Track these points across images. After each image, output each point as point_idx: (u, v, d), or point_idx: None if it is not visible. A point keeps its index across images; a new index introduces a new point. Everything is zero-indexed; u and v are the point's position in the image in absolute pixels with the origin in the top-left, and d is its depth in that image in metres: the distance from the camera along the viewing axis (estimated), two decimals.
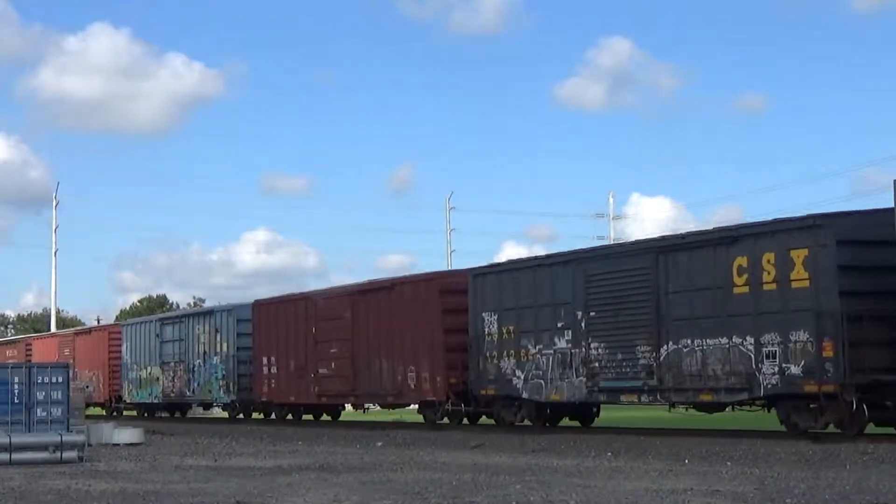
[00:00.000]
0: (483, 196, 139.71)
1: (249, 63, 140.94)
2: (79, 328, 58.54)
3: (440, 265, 73.12)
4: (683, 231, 28.30)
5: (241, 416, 40.80)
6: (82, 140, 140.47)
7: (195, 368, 41.68)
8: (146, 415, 47.83)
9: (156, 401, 45.20)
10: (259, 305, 38.44)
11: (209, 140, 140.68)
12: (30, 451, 20.66)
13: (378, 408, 38.79)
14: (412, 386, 30.74)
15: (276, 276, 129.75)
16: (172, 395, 43.58)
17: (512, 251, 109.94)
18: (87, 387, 49.56)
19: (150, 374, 45.03)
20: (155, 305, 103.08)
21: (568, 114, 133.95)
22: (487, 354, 28.40)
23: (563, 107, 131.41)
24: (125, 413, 49.63)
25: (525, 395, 27.41)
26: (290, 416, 37.88)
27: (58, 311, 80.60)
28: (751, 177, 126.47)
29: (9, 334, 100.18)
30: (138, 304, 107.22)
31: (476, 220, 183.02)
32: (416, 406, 32.86)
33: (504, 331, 27.93)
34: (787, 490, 13.54)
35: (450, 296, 29.83)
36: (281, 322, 36.67)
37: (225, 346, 39.64)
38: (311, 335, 34.93)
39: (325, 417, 38.64)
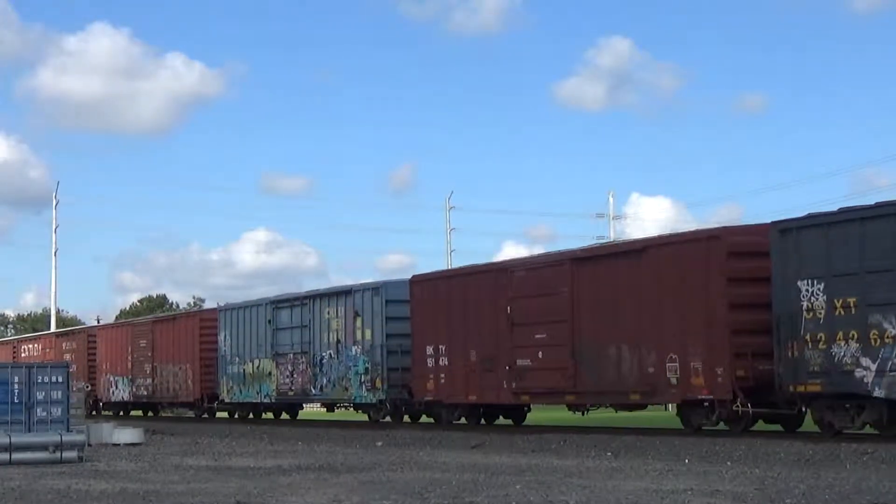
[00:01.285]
0: (483, 196, 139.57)
1: (249, 63, 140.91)
2: (162, 314, 50.85)
3: (440, 265, 73.05)
4: None
5: (387, 418, 33.26)
6: (82, 140, 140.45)
7: (323, 361, 34.44)
8: (250, 416, 40.49)
9: (266, 400, 37.83)
10: (421, 282, 31.13)
11: (209, 140, 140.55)
12: (30, 451, 20.67)
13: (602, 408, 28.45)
14: (673, 380, 23.78)
15: (276, 276, 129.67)
16: (291, 392, 36.25)
17: (511, 251, 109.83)
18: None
19: (258, 368, 37.64)
20: (155, 305, 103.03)
21: (568, 114, 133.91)
22: (808, 338, 21.59)
23: (562, 107, 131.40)
24: (218, 415, 42.90)
25: (879, 393, 20.72)
26: (462, 420, 30.57)
27: (58, 311, 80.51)
28: (751, 177, 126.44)
29: (9, 334, 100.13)
30: (138, 304, 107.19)
31: (476, 220, 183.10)
32: (673, 406, 27.27)
33: (837, 304, 21.15)
34: (787, 490, 13.54)
35: (739, 259, 22.91)
36: (455, 301, 29.49)
37: (369, 332, 32.24)
38: (506, 316, 27.71)
39: (505, 421, 31.36)
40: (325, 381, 34.41)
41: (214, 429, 35.19)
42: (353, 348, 32.96)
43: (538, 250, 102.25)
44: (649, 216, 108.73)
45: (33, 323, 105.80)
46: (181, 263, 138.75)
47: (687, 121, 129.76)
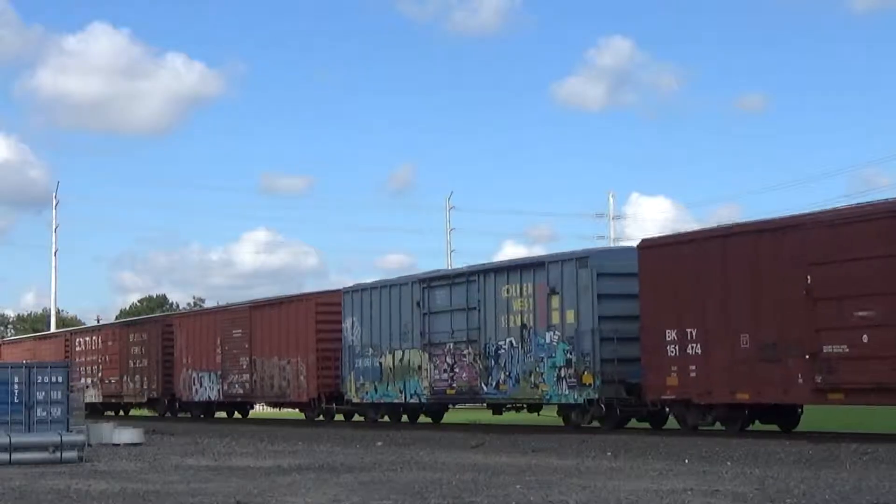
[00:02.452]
0: (483, 196, 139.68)
1: (249, 63, 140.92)
2: (265, 298, 40.75)
3: (440, 265, 73.08)
4: None
5: (593, 423, 26.79)
6: (82, 140, 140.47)
7: (500, 352, 28.10)
8: (387, 418, 33.78)
9: (414, 399, 31.40)
10: (656, 247, 25.04)
11: (209, 140, 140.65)
12: (30, 451, 20.66)
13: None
14: None
15: (276, 276, 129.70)
16: (450, 391, 29.92)
17: (511, 251, 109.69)
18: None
19: (402, 361, 31.44)
20: (155, 305, 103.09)
21: (568, 113, 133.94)
22: None
23: (562, 107, 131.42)
24: (337, 417, 36.07)
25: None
26: (719, 425, 24.33)
27: (58, 311, 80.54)
28: (751, 177, 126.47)
29: (9, 334, 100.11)
30: (138, 303, 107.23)
31: (476, 219, 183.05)
32: None
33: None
34: (787, 490, 13.54)
35: None
36: (710, 271, 23.27)
37: (571, 315, 26.21)
38: (800, 288, 21.47)
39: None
40: (501, 376, 27.94)
41: (214, 429, 35.19)
42: (548, 335, 26.67)
43: (538, 250, 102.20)
44: (649, 216, 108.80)
45: (33, 323, 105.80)
46: (181, 263, 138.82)
47: (687, 121, 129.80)
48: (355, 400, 33.51)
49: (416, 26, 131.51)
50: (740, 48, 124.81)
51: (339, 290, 35.27)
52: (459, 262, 71.08)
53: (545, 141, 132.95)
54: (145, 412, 50.24)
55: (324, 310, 35.08)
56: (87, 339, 50.88)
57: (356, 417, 35.96)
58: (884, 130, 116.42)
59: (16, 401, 22.40)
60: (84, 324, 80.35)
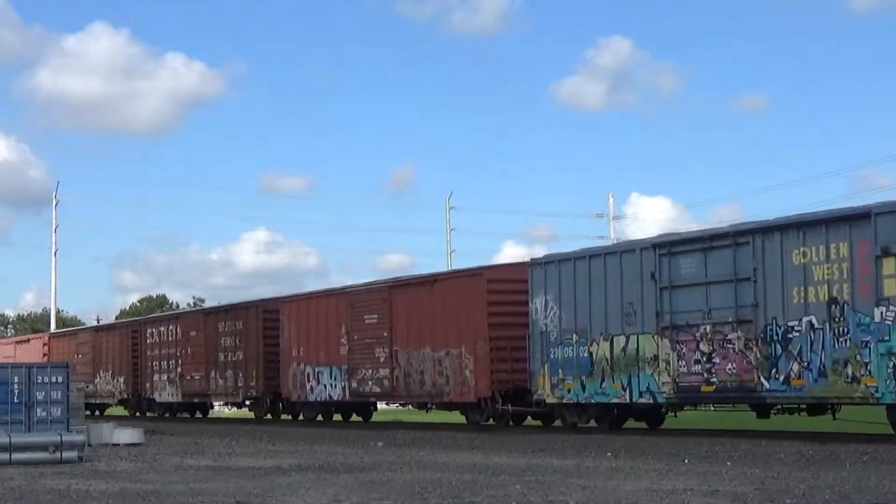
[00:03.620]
0: (483, 196, 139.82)
1: (249, 63, 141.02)
2: (409, 276, 33.75)
3: (440, 265, 73.01)
4: None
5: None
6: (82, 140, 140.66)
7: (792, 335, 21.66)
8: (612, 427, 26.36)
9: (646, 398, 24.77)
10: None
11: (209, 140, 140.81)
12: (30, 451, 20.65)
13: None
14: None
15: (276, 276, 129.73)
16: (711, 386, 23.25)
17: (511, 251, 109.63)
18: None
19: (627, 350, 25.01)
20: (155, 305, 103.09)
21: (568, 114, 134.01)
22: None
23: (562, 107, 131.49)
24: (526, 423, 30.26)
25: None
26: None
27: (58, 311, 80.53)
28: (751, 177, 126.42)
29: (9, 334, 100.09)
30: (138, 304, 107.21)
31: (476, 220, 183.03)
32: None
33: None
34: (787, 490, 13.54)
35: None
36: None
37: None
38: None
39: None
40: (794, 367, 21.60)
41: (214, 429, 35.16)
42: (876, 311, 20.22)
43: (538, 250, 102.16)
44: (649, 216, 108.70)
45: (33, 323, 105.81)
46: (181, 263, 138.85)
47: (687, 121, 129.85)
48: (550, 400, 26.83)
49: (416, 26, 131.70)
50: (740, 48, 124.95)
51: (519, 264, 29.44)
52: (460, 263, 70.78)
53: (545, 141, 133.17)
54: (238, 413, 45.95)
55: (499, 288, 28.53)
56: (162, 329, 44.47)
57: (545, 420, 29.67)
58: (884, 130, 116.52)
59: (16, 401, 22.41)
60: (84, 324, 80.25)
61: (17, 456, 20.33)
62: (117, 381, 48.01)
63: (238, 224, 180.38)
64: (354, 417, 37.42)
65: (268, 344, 37.46)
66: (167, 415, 45.80)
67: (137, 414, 47.74)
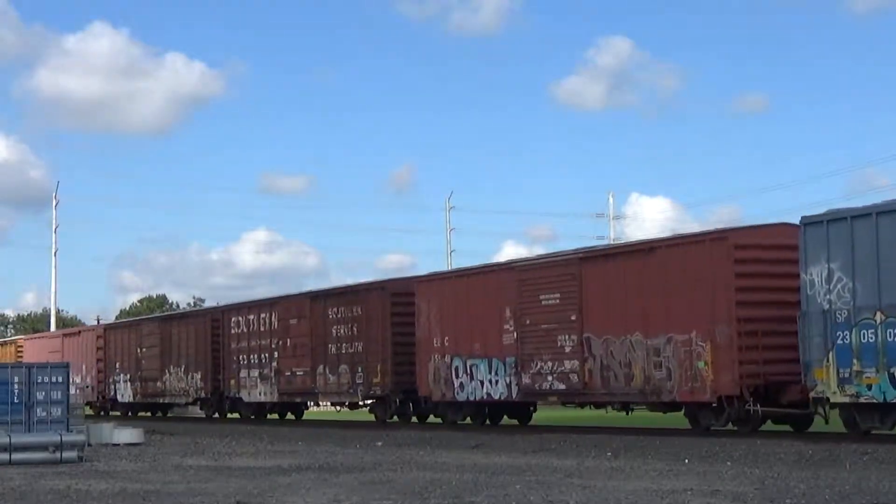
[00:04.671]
0: (483, 196, 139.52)
1: (249, 63, 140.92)
2: (602, 246, 29.54)
3: (440, 265, 72.98)
4: None
5: None
6: (82, 140, 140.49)
7: None
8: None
9: None
10: None
11: (209, 140, 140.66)
12: (30, 451, 20.66)
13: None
14: None
15: (276, 276, 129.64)
16: None
17: (511, 251, 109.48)
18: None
19: None
20: (155, 305, 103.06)
21: (568, 113, 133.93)
22: None
23: (562, 106, 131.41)
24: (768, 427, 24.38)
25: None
26: None
27: (58, 311, 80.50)
28: (751, 177, 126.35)
29: (9, 334, 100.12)
30: (138, 304, 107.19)
31: (476, 220, 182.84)
32: None
33: None
34: (787, 490, 13.54)
35: None
36: None
37: None
38: None
39: None
40: None
41: (214, 429, 35.11)
42: None
43: (538, 250, 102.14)
44: (649, 216, 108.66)
45: (33, 323, 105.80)
46: (181, 263, 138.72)
47: (687, 121, 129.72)
48: (838, 399, 20.99)
49: (416, 26, 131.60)
50: (740, 48, 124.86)
51: (777, 225, 24.10)
52: (459, 263, 70.85)
53: (545, 141, 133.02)
54: (349, 414, 38.82)
55: (749, 256, 23.00)
56: (252, 317, 38.40)
57: (825, 425, 22.59)
58: (884, 130, 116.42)
59: (16, 401, 22.43)
60: (84, 324, 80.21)
61: (17, 456, 20.34)
62: (192, 377, 41.65)
63: (238, 224, 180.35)
64: (501, 419, 31.11)
65: (398, 333, 31.55)
66: (254, 416, 39.57)
67: (216, 415, 41.81)
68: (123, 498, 14.24)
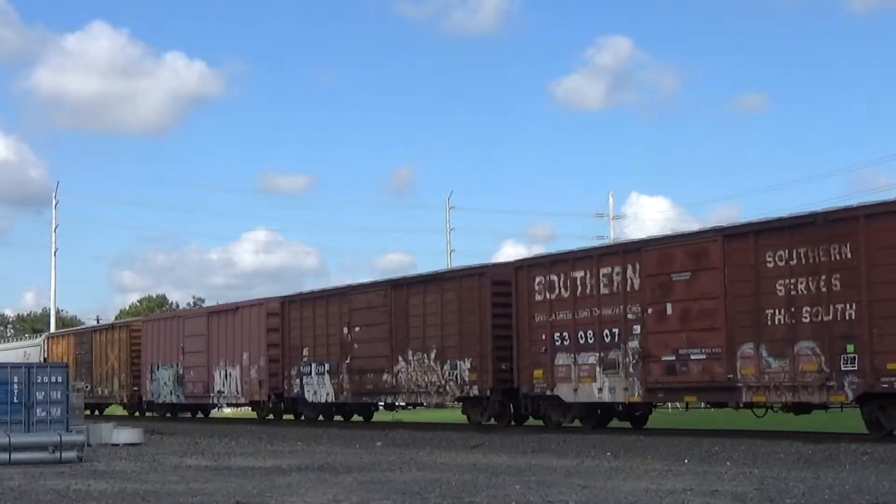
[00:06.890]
0: (483, 196, 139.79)
1: (249, 63, 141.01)
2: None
3: (440, 265, 72.95)
4: None
5: None
6: (82, 140, 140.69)
7: None
8: None
9: None
10: None
11: (209, 140, 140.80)
12: (29, 451, 20.64)
13: None
14: None
15: (276, 276, 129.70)
16: None
17: (512, 251, 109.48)
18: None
19: None
20: (155, 305, 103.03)
21: (567, 113, 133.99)
22: None
23: (562, 106, 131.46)
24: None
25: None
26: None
27: (57, 311, 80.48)
28: (750, 177, 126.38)
29: (8, 334, 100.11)
30: (138, 304, 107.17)
31: (476, 219, 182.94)
32: None
33: None
34: (787, 490, 13.53)
35: None
36: None
37: None
38: None
39: None
40: None
41: (214, 429, 35.10)
42: None
43: (538, 250, 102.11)
44: (649, 216, 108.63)
45: (33, 323, 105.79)
46: (181, 263, 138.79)
47: (687, 121, 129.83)
48: None
49: (416, 26, 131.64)
50: (740, 48, 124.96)
51: None
52: (459, 263, 70.78)
53: (545, 141, 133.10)
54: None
55: None
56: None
57: None
58: (883, 130, 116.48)
59: (15, 401, 22.40)
60: (83, 324, 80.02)
61: (16, 456, 20.32)
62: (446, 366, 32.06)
63: (238, 224, 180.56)
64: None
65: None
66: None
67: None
68: (123, 498, 14.22)
